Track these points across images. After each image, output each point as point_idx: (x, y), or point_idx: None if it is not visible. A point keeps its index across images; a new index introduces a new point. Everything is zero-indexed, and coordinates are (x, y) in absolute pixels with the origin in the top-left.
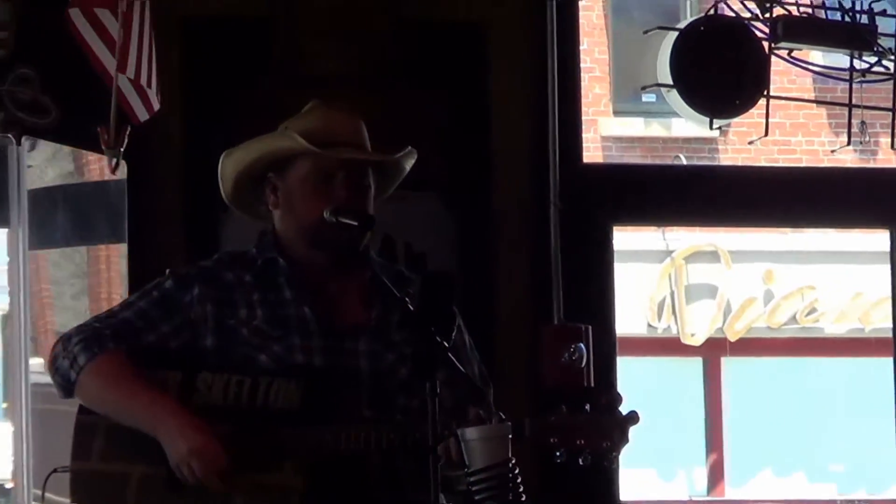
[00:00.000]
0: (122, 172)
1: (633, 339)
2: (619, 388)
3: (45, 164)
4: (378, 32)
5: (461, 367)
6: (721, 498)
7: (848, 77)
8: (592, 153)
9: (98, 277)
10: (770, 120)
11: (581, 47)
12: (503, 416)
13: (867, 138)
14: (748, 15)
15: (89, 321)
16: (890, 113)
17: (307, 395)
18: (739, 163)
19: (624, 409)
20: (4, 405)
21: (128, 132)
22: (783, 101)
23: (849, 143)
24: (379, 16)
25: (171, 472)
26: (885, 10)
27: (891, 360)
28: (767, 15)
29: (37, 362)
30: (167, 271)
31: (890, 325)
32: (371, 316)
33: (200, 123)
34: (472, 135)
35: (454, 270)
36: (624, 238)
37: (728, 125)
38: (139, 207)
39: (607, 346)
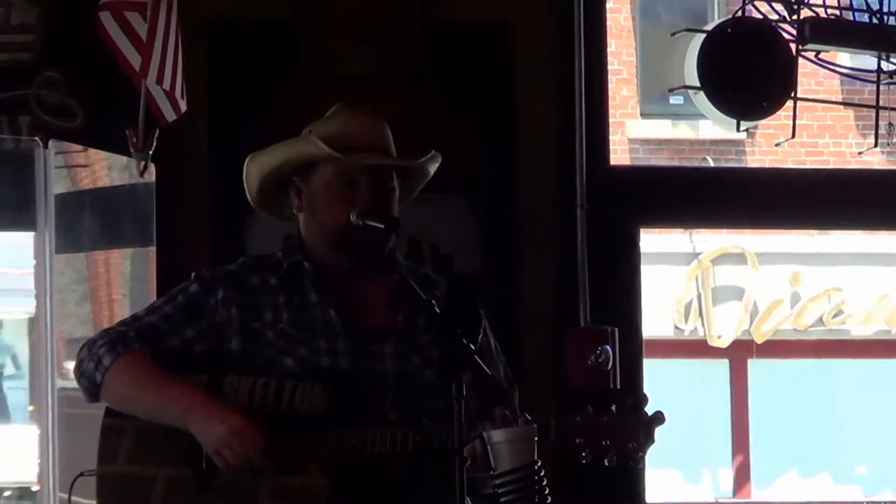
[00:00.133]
0: (150, 175)
1: (659, 341)
2: (646, 390)
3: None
4: (404, 34)
5: (487, 370)
6: (747, 500)
7: (875, 79)
8: (620, 155)
9: (98, 281)
10: (797, 122)
11: (608, 49)
12: (529, 418)
13: (895, 140)
14: (775, 17)
15: (114, 325)
16: None
17: (333, 398)
18: (766, 165)
19: (650, 409)
20: (31, 408)
21: (156, 135)
22: (810, 103)
23: (876, 145)
24: (405, 17)
25: (198, 474)
26: None
27: None
28: (795, 17)
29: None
30: (192, 275)
31: None
32: (397, 319)
33: (226, 126)
34: (499, 137)
35: (480, 272)
36: (651, 240)
37: (755, 127)
38: (167, 210)
39: (634, 349)
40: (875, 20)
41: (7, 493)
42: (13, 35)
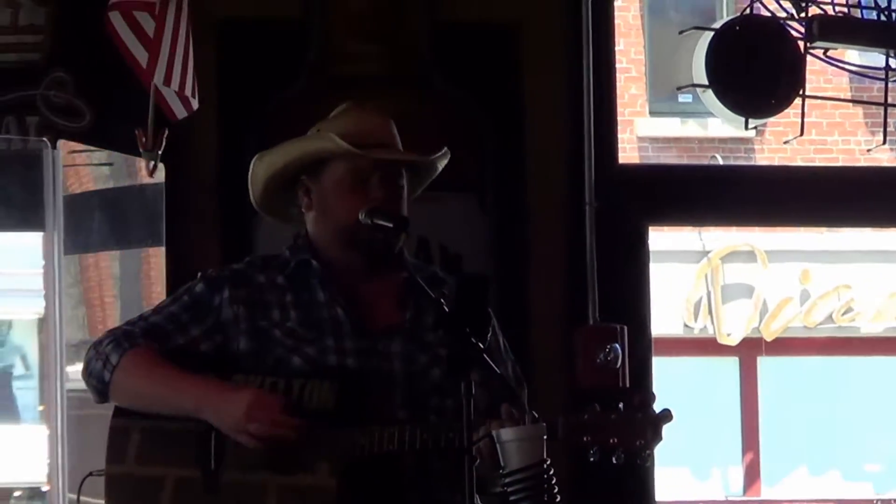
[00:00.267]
0: (160, 175)
1: (669, 339)
2: (655, 389)
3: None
4: (412, 34)
5: (496, 368)
6: (757, 498)
7: (884, 76)
8: (628, 153)
9: (89, 283)
10: (806, 119)
11: (617, 48)
12: (536, 416)
13: None
14: (784, 14)
15: (120, 325)
16: None
17: (341, 397)
18: (775, 162)
19: (658, 408)
20: (40, 408)
21: (165, 135)
22: (819, 101)
23: (885, 143)
24: (413, 17)
25: (207, 474)
26: None
27: None
28: (803, 14)
29: (71, 368)
30: (198, 274)
31: None
32: (405, 317)
33: (235, 125)
34: (508, 136)
35: (489, 271)
36: (660, 238)
37: (764, 125)
38: (176, 210)
39: (643, 347)
40: (883, 17)
41: (17, 493)
42: (21, 35)
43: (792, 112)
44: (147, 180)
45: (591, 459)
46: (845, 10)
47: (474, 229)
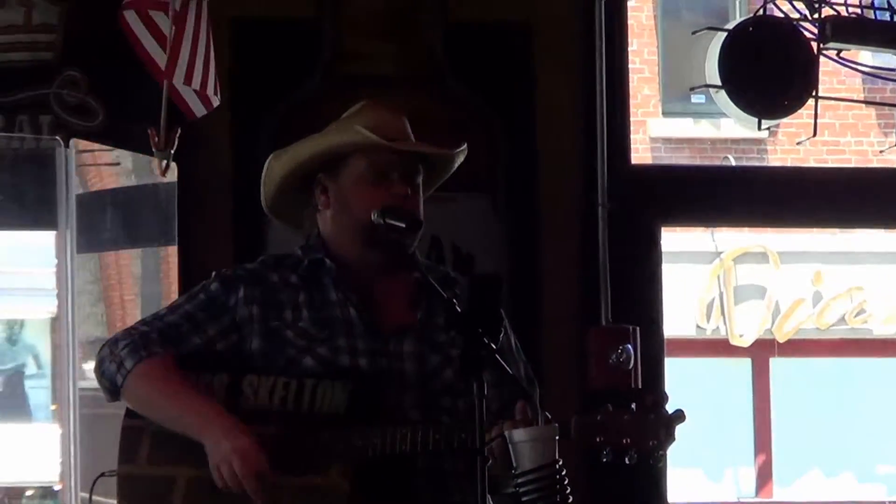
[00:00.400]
0: (172, 174)
1: (681, 340)
2: (668, 390)
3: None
4: (426, 33)
5: (508, 369)
6: (769, 499)
7: None
8: (641, 154)
9: (110, 282)
10: (819, 120)
11: (630, 48)
12: (549, 416)
13: None
14: (797, 15)
15: (136, 324)
16: None
17: (353, 398)
18: (788, 163)
19: (671, 408)
20: (53, 407)
21: (178, 134)
22: (832, 102)
23: None
24: (427, 17)
25: None
26: None
27: None
28: (816, 15)
29: (87, 366)
30: (213, 273)
31: None
32: (416, 317)
33: (248, 124)
34: (520, 136)
35: (502, 271)
36: (672, 239)
37: (777, 126)
38: (188, 209)
39: (655, 348)
40: None
41: (29, 493)
42: (34, 34)
43: (805, 113)
44: (160, 179)
45: (604, 460)
46: (858, 11)
47: (487, 230)
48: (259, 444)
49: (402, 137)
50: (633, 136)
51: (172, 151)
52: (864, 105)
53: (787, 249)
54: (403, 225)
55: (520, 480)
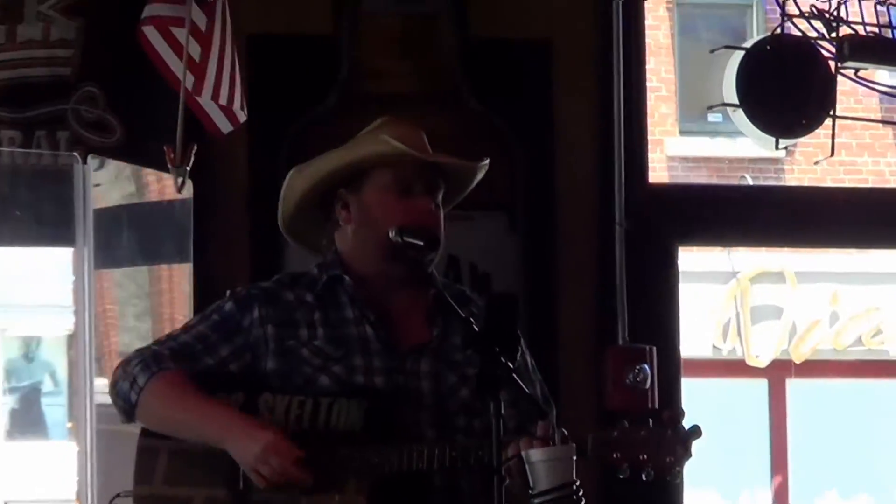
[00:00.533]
0: (188, 191)
1: (698, 360)
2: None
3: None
4: (443, 51)
5: (525, 388)
6: None
7: None
8: (658, 173)
9: (160, 298)
10: (836, 140)
11: (647, 66)
12: (566, 433)
13: None
14: (814, 34)
15: (149, 345)
16: None
17: (368, 416)
18: (805, 183)
19: (686, 425)
20: (69, 425)
21: (194, 151)
22: (849, 122)
23: None
24: (444, 35)
25: (235, 494)
26: None
27: None
28: (834, 34)
29: (101, 382)
30: (227, 293)
31: None
32: (433, 336)
33: (265, 142)
34: (538, 155)
35: (518, 291)
36: (690, 259)
37: (794, 145)
38: (204, 227)
39: (672, 368)
40: None
41: None
42: (52, 50)
43: (822, 132)
44: (176, 196)
45: (621, 476)
46: (876, 30)
47: (504, 248)
48: (282, 431)
49: (425, 151)
50: (650, 155)
51: (188, 168)
52: (881, 125)
53: (804, 270)
54: (421, 243)
55: (536, 501)
